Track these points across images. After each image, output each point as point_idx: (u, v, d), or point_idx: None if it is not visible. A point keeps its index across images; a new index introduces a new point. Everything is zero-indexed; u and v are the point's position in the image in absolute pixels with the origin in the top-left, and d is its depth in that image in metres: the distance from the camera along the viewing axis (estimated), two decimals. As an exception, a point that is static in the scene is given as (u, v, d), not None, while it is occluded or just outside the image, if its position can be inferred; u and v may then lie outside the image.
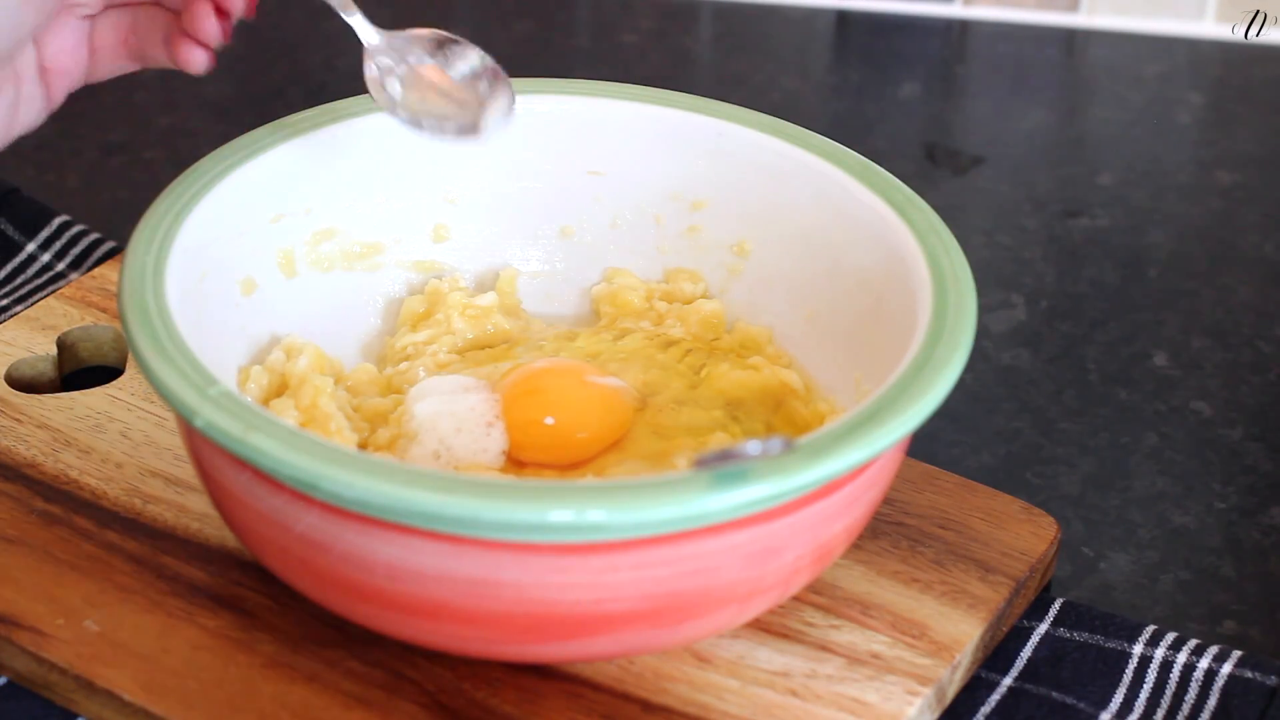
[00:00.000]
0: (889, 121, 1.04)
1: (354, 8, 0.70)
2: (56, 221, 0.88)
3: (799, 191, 0.73)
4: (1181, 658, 0.68)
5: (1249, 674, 0.68)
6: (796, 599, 0.68)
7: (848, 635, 0.67)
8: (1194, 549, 0.76)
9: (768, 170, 0.74)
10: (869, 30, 1.12)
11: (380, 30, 0.70)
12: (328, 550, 0.61)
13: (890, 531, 0.72)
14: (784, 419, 0.71)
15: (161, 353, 0.62)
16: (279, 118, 0.73)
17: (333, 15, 0.71)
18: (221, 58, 0.71)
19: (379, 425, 0.70)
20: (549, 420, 0.69)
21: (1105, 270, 0.92)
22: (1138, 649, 0.69)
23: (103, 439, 0.74)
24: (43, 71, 0.70)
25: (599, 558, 0.59)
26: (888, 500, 0.73)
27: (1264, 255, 0.94)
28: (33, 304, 0.83)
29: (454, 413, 0.69)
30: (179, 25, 0.69)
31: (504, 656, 0.65)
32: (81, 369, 0.80)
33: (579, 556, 0.59)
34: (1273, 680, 0.67)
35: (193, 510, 0.71)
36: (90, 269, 0.86)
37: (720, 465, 0.57)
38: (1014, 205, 0.97)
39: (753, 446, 0.57)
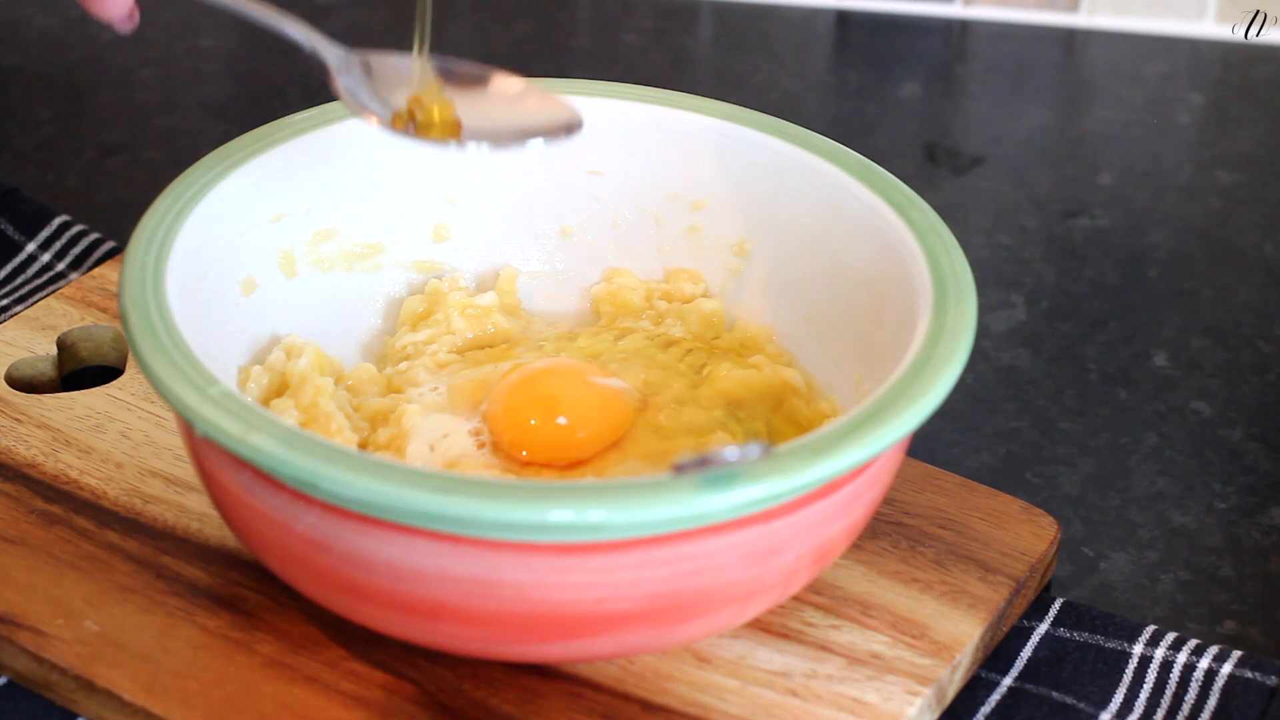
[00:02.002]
0: (889, 121, 1.04)
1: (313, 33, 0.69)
2: (56, 221, 0.88)
3: (799, 191, 0.73)
4: (1181, 658, 0.68)
5: (1249, 674, 0.68)
6: (796, 599, 0.68)
7: (848, 635, 0.67)
8: (1194, 549, 0.76)
9: (768, 170, 0.74)
10: (869, 30, 1.12)
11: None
12: (328, 550, 0.61)
13: (890, 531, 0.72)
14: (785, 418, 0.71)
15: (161, 353, 0.62)
16: (279, 118, 0.73)
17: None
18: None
19: (379, 425, 0.70)
20: (549, 420, 0.69)
21: (1105, 270, 0.92)
22: (1138, 649, 0.69)
23: (103, 439, 0.74)
24: None
25: (599, 558, 0.59)
26: (888, 500, 0.73)
27: (1264, 255, 0.94)
28: (33, 304, 0.83)
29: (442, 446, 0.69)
30: None
31: (504, 656, 0.65)
32: (81, 369, 0.80)
33: (579, 556, 0.59)
34: (1273, 680, 0.67)
35: (193, 510, 0.71)
36: (90, 269, 0.86)
37: (698, 470, 0.57)
38: (1014, 205, 0.97)
39: (730, 452, 0.57)
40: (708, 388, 0.72)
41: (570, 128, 0.68)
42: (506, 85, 0.70)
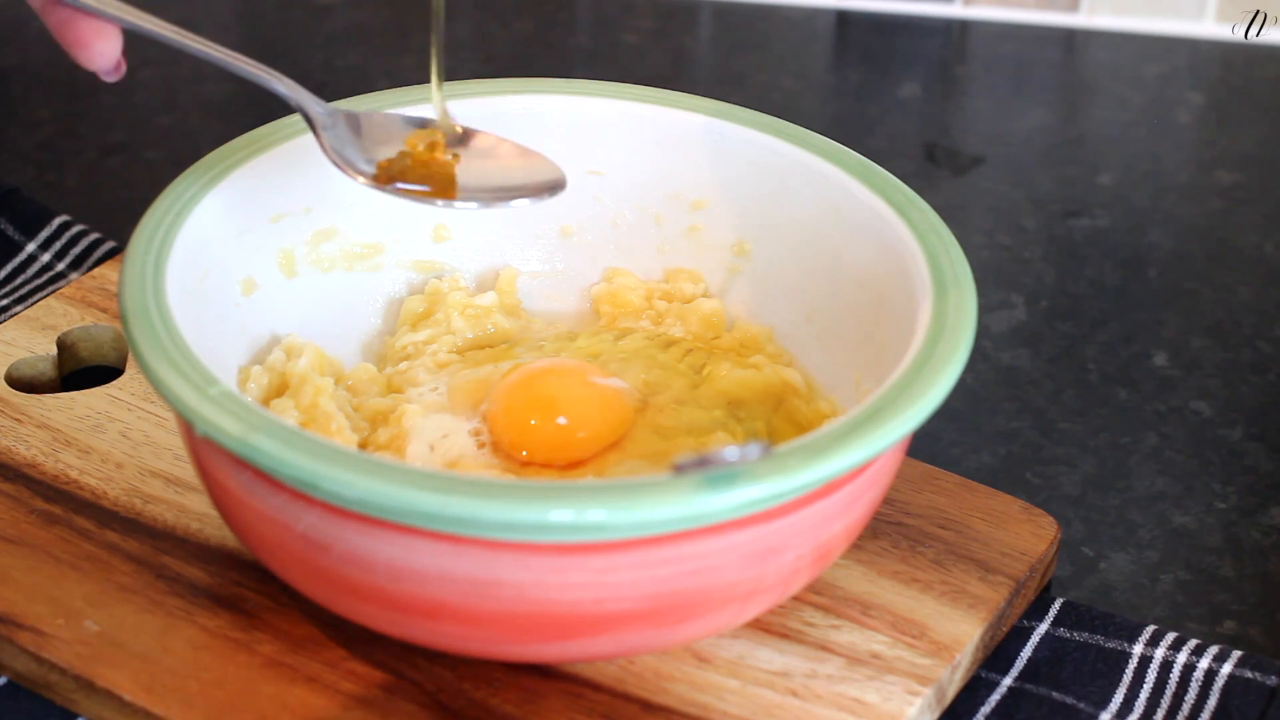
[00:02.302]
0: (889, 121, 1.04)
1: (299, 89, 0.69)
2: (56, 221, 0.88)
3: (799, 191, 0.73)
4: (1181, 658, 0.68)
5: (1249, 674, 0.68)
6: (796, 599, 0.68)
7: (848, 635, 0.67)
8: (1194, 549, 0.76)
9: (768, 170, 0.74)
10: (869, 30, 1.12)
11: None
12: (328, 550, 0.61)
13: (890, 531, 0.72)
14: (785, 418, 0.71)
15: (161, 353, 0.62)
16: (279, 118, 0.73)
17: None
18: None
19: (379, 425, 0.70)
20: (549, 420, 0.69)
21: (1105, 270, 0.92)
22: (1138, 649, 0.69)
23: (103, 439, 0.74)
24: None
25: (599, 558, 0.59)
26: (888, 500, 0.73)
27: (1264, 255, 0.94)
28: (33, 304, 0.83)
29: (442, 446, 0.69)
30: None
31: (504, 656, 0.65)
32: (81, 369, 0.80)
33: (579, 556, 0.59)
34: (1273, 680, 0.67)
35: (193, 510, 0.71)
36: (90, 269, 0.86)
37: (698, 470, 0.57)
38: (1014, 205, 0.97)
39: (730, 452, 0.57)
40: (708, 388, 0.72)
41: (554, 187, 0.69)
42: (492, 144, 0.70)
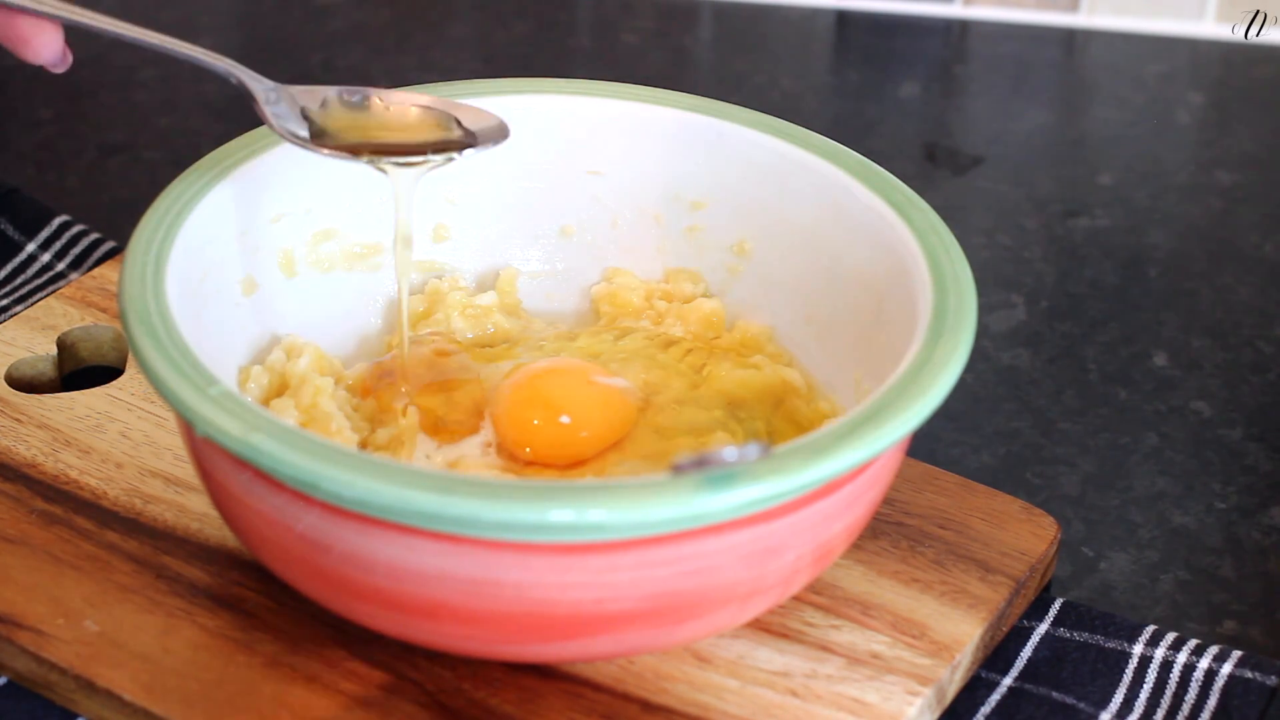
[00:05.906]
0: (889, 121, 1.04)
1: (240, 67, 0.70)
2: (56, 221, 0.88)
3: (799, 191, 0.73)
4: (1181, 658, 0.69)
5: (1249, 674, 0.68)
6: (796, 599, 0.68)
7: (848, 635, 0.67)
8: (1194, 549, 0.76)
9: (768, 170, 0.74)
10: (869, 30, 1.12)
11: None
12: (328, 550, 0.61)
13: (890, 531, 0.72)
14: (785, 418, 0.71)
15: (162, 353, 0.62)
16: (279, 118, 0.73)
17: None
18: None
19: (379, 425, 0.70)
20: (552, 419, 0.69)
21: (1105, 270, 0.92)
22: (1138, 649, 0.69)
23: (103, 439, 0.74)
24: None
25: (599, 558, 0.59)
26: (888, 500, 0.73)
27: (1264, 255, 0.94)
28: (33, 304, 0.83)
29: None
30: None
31: (504, 656, 0.65)
32: (81, 369, 0.80)
33: (579, 556, 0.59)
34: (1273, 680, 0.67)
35: (193, 510, 0.71)
36: (90, 269, 0.86)
37: (698, 470, 0.57)
38: (1014, 205, 0.97)
39: (729, 452, 0.57)
40: (708, 388, 0.72)
41: (498, 135, 0.69)
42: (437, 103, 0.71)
